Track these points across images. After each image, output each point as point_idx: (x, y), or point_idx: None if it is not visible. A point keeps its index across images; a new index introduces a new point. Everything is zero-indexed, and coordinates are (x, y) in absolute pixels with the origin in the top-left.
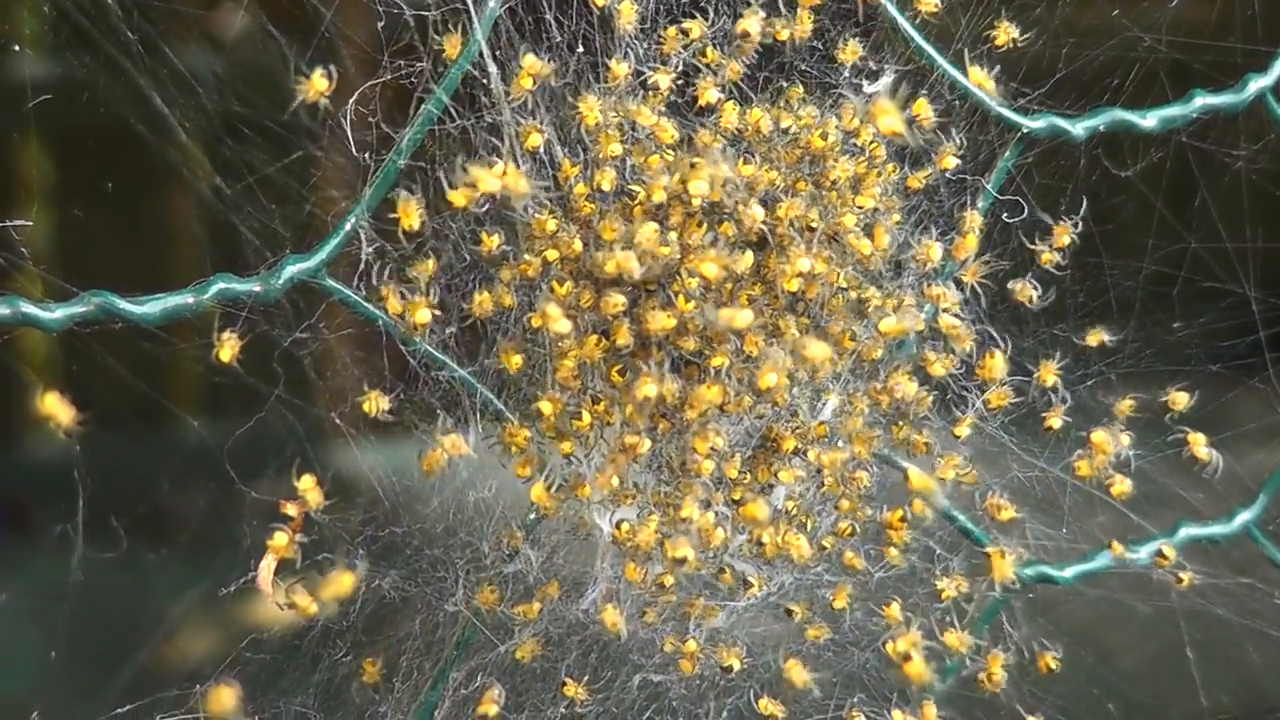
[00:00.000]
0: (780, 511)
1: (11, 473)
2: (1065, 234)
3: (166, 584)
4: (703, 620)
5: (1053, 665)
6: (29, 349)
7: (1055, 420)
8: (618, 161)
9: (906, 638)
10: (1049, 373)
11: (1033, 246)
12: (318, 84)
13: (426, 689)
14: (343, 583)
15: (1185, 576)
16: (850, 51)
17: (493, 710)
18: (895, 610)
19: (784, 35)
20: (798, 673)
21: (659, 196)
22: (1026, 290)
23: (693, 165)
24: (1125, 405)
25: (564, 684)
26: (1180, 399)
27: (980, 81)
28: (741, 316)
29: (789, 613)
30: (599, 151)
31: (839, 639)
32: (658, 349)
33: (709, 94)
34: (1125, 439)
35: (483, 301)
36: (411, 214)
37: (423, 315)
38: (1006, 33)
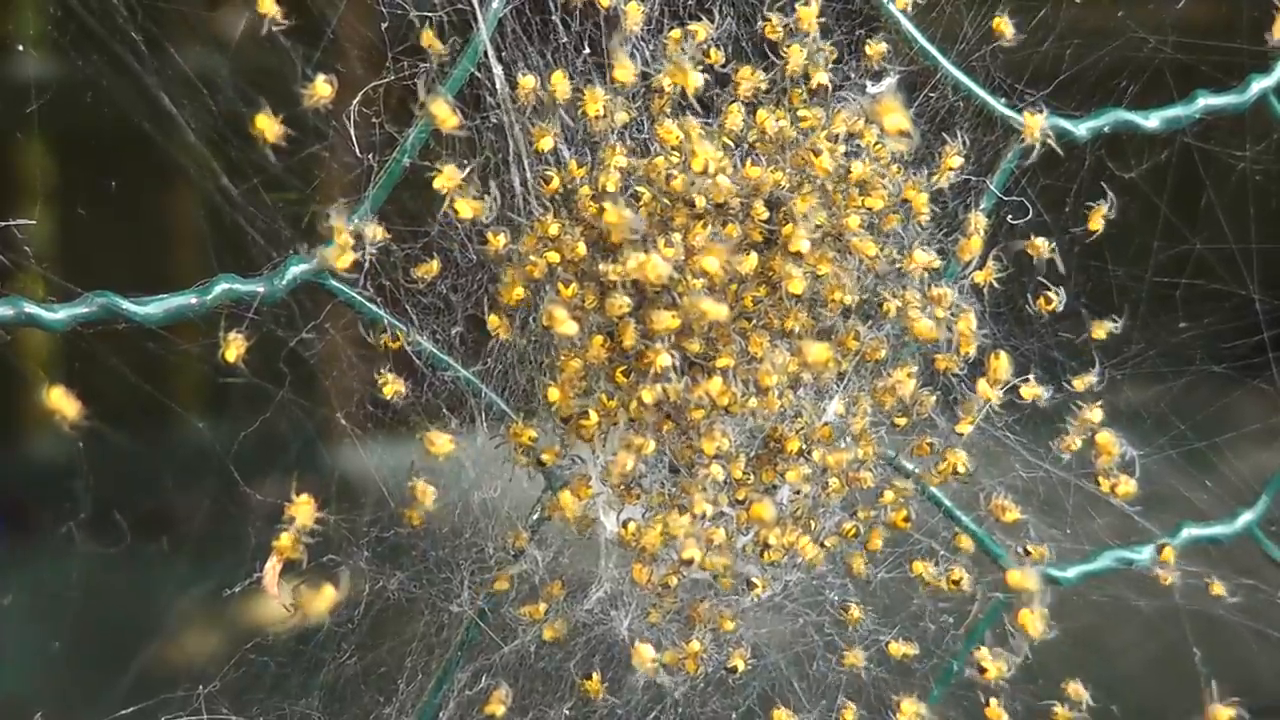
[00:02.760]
0: (786, 511)
1: (12, 473)
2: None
3: (170, 584)
4: (709, 623)
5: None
6: (31, 350)
7: (1081, 383)
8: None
9: None
10: (1030, 391)
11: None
12: (321, 89)
13: (429, 689)
14: (325, 595)
15: (1166, 575)
16: (875, 51)
17: (500, 710)
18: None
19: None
20: (913, 708)
21: (667, 187)
22: (1049, 303)
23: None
24: (1092, 413)
25: (584, 680)
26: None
27: (1033, 124)
28: (719, 309)
29: (846, 611)
30: (604, 155)
31: (841, 641)
32: (662, 345)
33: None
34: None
35: (497, 325)
36: (451, 178)
37: (345, 259)
38: (1004, 26)
